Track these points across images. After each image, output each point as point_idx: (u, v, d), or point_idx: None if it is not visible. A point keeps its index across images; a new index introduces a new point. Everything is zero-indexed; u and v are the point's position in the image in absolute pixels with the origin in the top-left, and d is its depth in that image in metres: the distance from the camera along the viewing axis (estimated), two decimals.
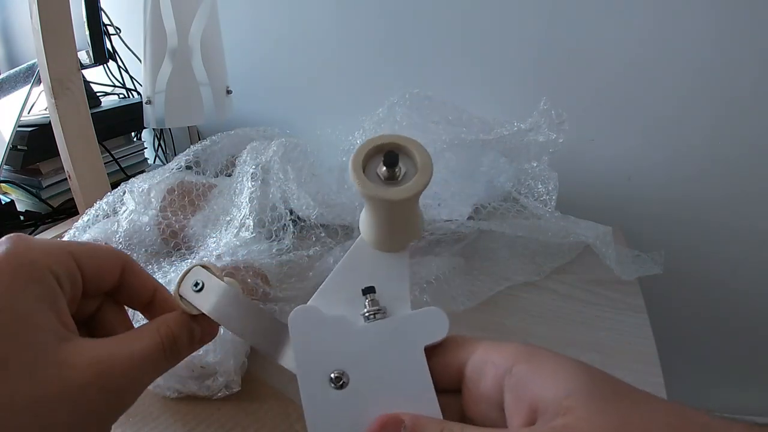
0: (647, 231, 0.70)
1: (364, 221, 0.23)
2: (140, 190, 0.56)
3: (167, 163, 0.57)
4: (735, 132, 0.62)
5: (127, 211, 0.54)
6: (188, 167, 0.57)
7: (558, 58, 0.67)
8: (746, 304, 0.73)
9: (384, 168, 0.20)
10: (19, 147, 0.66)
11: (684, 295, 0.75)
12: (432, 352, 0.21)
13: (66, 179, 0.61)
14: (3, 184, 0.70)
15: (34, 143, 0.66)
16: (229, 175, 0.57)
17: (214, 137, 0.58)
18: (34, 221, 0.67)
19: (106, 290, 0.23)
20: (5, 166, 0.68)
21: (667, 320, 0.77)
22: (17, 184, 0.69)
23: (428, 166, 0.19)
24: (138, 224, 0.54)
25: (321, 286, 0.23)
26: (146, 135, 0.97)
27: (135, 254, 0.51)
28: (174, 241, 0.55)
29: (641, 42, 0.62)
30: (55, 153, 0.60)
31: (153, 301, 0.24)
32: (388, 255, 0.23)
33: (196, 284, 0.23)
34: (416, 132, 0.52)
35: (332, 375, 0.20)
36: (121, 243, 0.50)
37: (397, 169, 0.20)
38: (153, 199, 0.56)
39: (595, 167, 0.71)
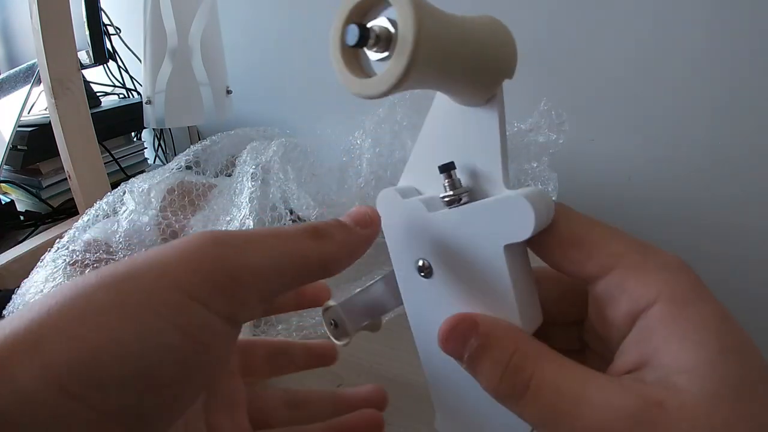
0: (647, 231, 0.70)
1: None
2: (140, 190, 0.56)
3: (167, 163, 0.57)
4: (736, 132, 0.62)
5: (127, 211, 0.54)
6: (188, 167, 0.57)
7: (558, 58, 0.67)
8: (746, 304, 0.73)
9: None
10: (19, 147, 0.66)
11: None
12: (548, 247, 0.17)
13: (66, 179, 0.61)
14: (3, 184, 0.70)
15: (34, 143, 0.66)
16: (229, 175, 0.57)
17: (214, 137, 0.58)
18: (34, 221, 0.67)
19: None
20: (5, 166, 0.68)
21: None
22: (17, 184, 0.69)
23: (409, 39, 0.13)
24: (138, 224, 0.54)
25: (409, 159, 0.20)
26: (146, 135, 0.97)
27: (135, 254, 0.51)
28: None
29: (641, 42, 0.62)
30: (55, 153, 0.60)
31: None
32: (472, 110, 0.17)
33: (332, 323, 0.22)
34: (416, 132, 0.52)
35: (418, 263, 0.19)
36: (121, 243, 0.50)
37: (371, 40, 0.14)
38: (153, 199, 0.56)
39: (595, 167, 0.71)
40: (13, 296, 0.43)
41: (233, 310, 0.15)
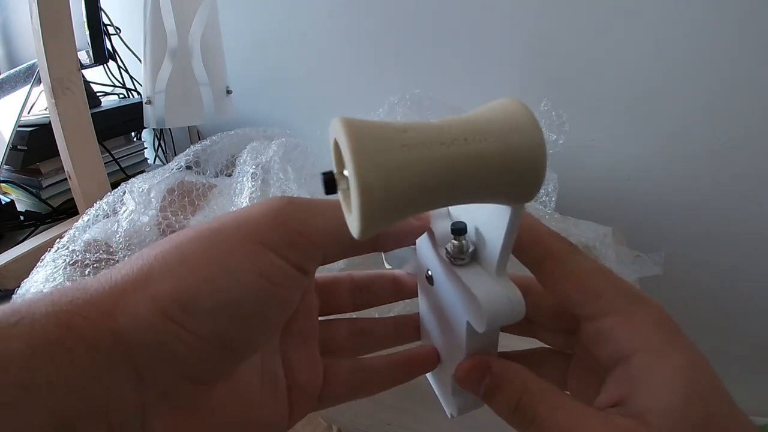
0: (647, 231, 0.70)
1: None
2: (140, 190, 0.56)
3: (167, 163, 0.57)
4: (735, 132, 0.62)
5: (127, 211, 0.54)
6: (188, 167, 0.57)
7: (559, 59, 0.67)
8: (747, 304, 0.73)
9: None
10: (19, 147, 0.66)
11: (683, 295, 0.75)
12: (556, 283, 0.19)
13: (66, 179, 0.61)
14: (3, 184, 0.70)
15: (34, 143, 0.66)
16: (229, 175, 0.57)
17: (214, 137, 0.58)
18: (34, 221, 0.67)
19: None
20: (5, 166, 0.68)
21: None
22: (17, 184, 0.69)
23: (356, 199, 0.13)
24: (138, 224, 0.54)
25: None
26: (146, 135, 0.97)
27: (135, 254, 0.51)
28: None
29: (642, 42, 0.62)
30: (55, 153, 0.60)
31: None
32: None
33: None
34: None
35: (427, 272, 0.22)
36: (121, 243, 0.50)
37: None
38: (153, 199, 0.56)
39: (595, 167, 0.71)
40: (13, 296, 0.43)
41: (302, 260, 0.18)
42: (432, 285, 0.22)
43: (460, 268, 0.19)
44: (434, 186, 0.13)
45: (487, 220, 0.18)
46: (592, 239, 0.49)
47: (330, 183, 0.15)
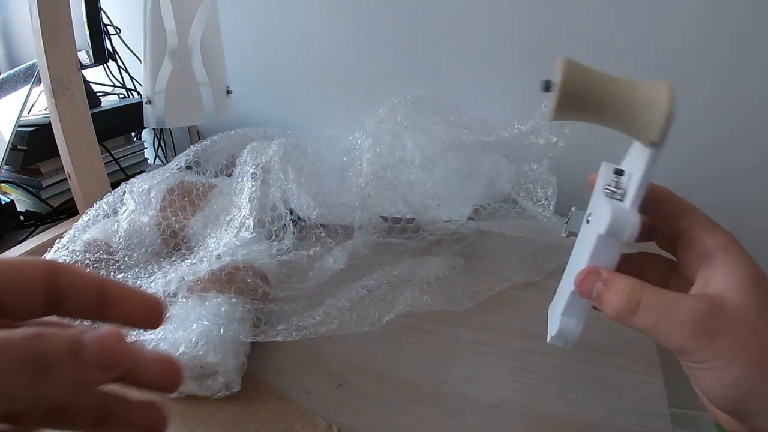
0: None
1: None
2: (140, 190, 0.56)
3: (167, 163, 0.57)
4: (735, 131, 0.62)
5: (127, 211, 0.54)
6: (188, 167, 0.57)
7: (559, 58, 0.67)
8: None
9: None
10: (19, 147, 0.66)
11: None
12: (660, 211, 0.27)
13: (66, 179, 0.61)
14: (3, 184, 0.70)
15: (34, 143, 0.66)
16: (229, 175, 0.57)
17: (214, 137, 0.58)
18: (34, 221, 0.67)
19: (36, 306, 0.18)
20: (5, 166, 0.68)
21: None
22: (17, 184, 0.69)
23: (558, 87, 0.25)
24: (138, 224, 0.54)
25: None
26: (146, 135, 0.97)
27: (135, 254, 0.51)
28: (174, 241, 0.55)
29: (641, 42, 0.62)
30: (55, 153, 0.60)
31: (104, 298, 0.19)
32: (644, 147, 0.26)
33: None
34: (416, 133, 0.52)
35: (588, 215, 0.28)
36: (121, 243, 0.50)
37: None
38: (153, 199, 0.56)
39: (596, 167, 0.71)
40: None
41: None
42: (587, 224, 0.28)
43: (611, 201, 0.25)
44: (598, 97, 0.25)
45: (636, 170, 0.26)
46: None
47: (547, 84, 0.26)
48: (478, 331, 0.43)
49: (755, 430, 0.22)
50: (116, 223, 0.52)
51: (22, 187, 0.69)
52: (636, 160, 0.26)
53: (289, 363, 0.40)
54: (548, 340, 0.28)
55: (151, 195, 0.55)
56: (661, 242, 0.29)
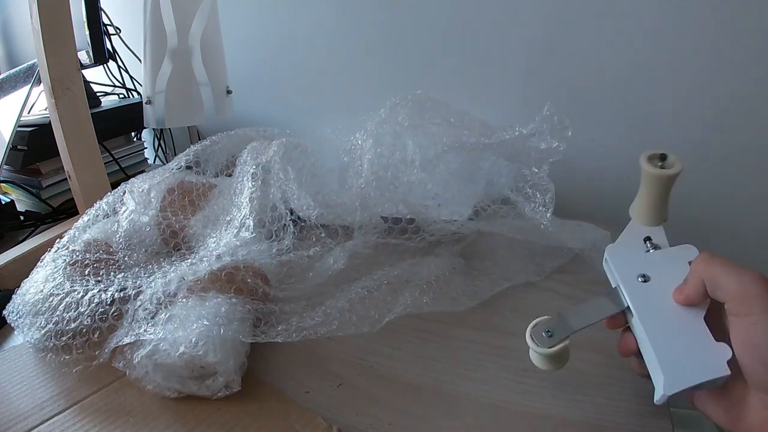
0: None
1: (639, 206, 0.39)
2: (140, 190, 0.56)
3: (167, 163, 0.57)
4: (735, 131, 0.62)
5: (127, 211, 0.54)
6: (188, 167, 0.57)
7: (559, 59, 0.67)
8: None
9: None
10: (19, 147, 0.66)
11: None
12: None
13: (66, 179, 0.61)
14: (3, 184, 0.70)
15: (34, 143, 0.66)
16: (229, 175, 0.57)
17: (214, 137, 0.58)
18: (34, 221, 0.67)
19: None
20: (5, 166, 0.68)
21: None
22: (17, 184, 0.69)
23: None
24: (138, 224, 0.54)
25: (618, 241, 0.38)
26: (146, 135, 0.97)
27: (135, 254, 0.51)
28: (174, 241, 0.55)
29: (641, 42, 0.62)
30: (55, 153, 0.60)
31: None
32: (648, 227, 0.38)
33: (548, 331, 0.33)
34: (418, 133, 0.52)
35: (639, 276, 0.33)
36: (121, 243, 0.50)
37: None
38: (153, 199, 0.56)
39: (595, 167, 0.71)
40: (13, 296, 0.43)
41: None
42: (647, 281, 0.33)
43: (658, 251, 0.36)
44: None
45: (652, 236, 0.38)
46: (589, 244, 0.49)
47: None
48: (478, 331, 0.43)
49: None
50: (116, 223, 0.52)
51: (22, 187, 0.69)
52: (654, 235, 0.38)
53: (289, 363, 0.40)
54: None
55: (151, 195, 0.55)
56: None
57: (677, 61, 0.62)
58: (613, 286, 0.34)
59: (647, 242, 0.37)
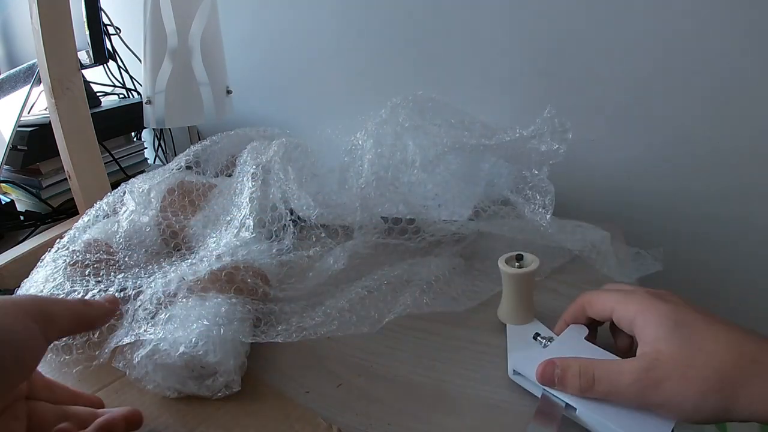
0: (647, 228, 0.70)
1: (509, 309, 0.41)
2: (140, 190, 0.56)
3: (167, 163, 0.57)
4: (735, 130, 0.62)
5: (127, 212, 0.54)
6: (188, 167, 0.57)
7: (560, 59, 0.67)
8: (747, 302, 0.73)
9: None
10: (19, 147, 0.66)
11: (684, 294, 0.75)
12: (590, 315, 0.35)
13: (66, 179, 0.61)
14: (3, 184, 0.70)
15: (34, 143, 0.66)
16: (229, 175, 0.57)
17: (214, 137, 0.58)
18: (34, 221, 0.67)
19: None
20: (5, 166, 0.68)
21: None
22: (17, 184, 0.69)
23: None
24: (138, 224, 0.54)
25: (510, 350, 0.38)
26: (146, 135, 0.97)
27: (135, 255, 0.51)
28: (174, 242, 0.55)
29: (641, 42, 0.62)
30: (55, 153, 0.60)
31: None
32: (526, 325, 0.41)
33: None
34: (418, 133, 0.52)
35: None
36: (121, 243, 0.50)
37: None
38: (153, 200, 0.56)
39: (595, 167, 0.71)
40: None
41: (47, 332, 0.27)
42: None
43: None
44: None
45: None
46: (589, 245, 0.49)
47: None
48: (478, 331, 0.43)
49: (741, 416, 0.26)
50: (116, 224, 0.52)
51: (22, 187, 0.69)
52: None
53: (289, 363, 0.40)
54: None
55: (151, 195, 0.55)
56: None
57: (678, 61, 0.62)
58: (538, 394, 0.33)
59: (538, 338, 0.38)
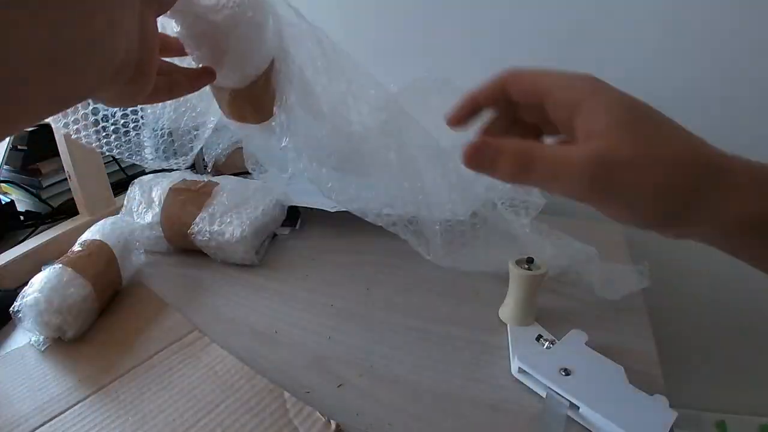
0: (646, 232, 0.70)
1: (515, 310, 0.42)
2: (143, 189, 0.56)
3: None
4: (735, 130, 0.62)
5: (130, 211, 0.54)
6: (191, 166, 0.57)
7: (558, 59, 0.67)
8: (747, 303, 0.73)
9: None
10: (19, 147, 0.66)
11: (684, 295, 0.75)
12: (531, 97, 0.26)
13: (66, 179, 0.61)
14: (3, 184, 0.70)
15: (34, 143, 0.66)
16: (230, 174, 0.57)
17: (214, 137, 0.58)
18: (34, 221, 0.67)
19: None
20: (5, 166, 0.68)
21: (667, 320, 0.77)
22: (17, 184, 0.69)
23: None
24: (140, 224, 0.54)
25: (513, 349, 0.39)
26: None
27: (136, 254, 0.51)
28: (176, 241, 0.55)
29: (641, 42, 0.62)
30: (55, 153, 0.60)
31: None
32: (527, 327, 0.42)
33: None
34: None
35: (561, 371, 0.35)
36: (121, 243, 0.50)
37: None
38: (155, 199, 0.56)
39: None
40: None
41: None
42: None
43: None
44: None
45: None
46: (576, 262, 0.47)
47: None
48: (479, 331, 0.43)
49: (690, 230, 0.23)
50: (119, 223, 0.52)
51: (22, 187, 0.69)
52: None
53: (289, 363, 0.40)
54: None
55: (153, 195, 0.56)
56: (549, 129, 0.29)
57: (678, 61, 0.62)
58: (543, 393, 0.35)
59: (540, 339, 0.39)
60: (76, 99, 0.22)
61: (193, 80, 0.34)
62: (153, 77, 0.27)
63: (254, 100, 0.39)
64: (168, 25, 0.33)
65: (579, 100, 0.23)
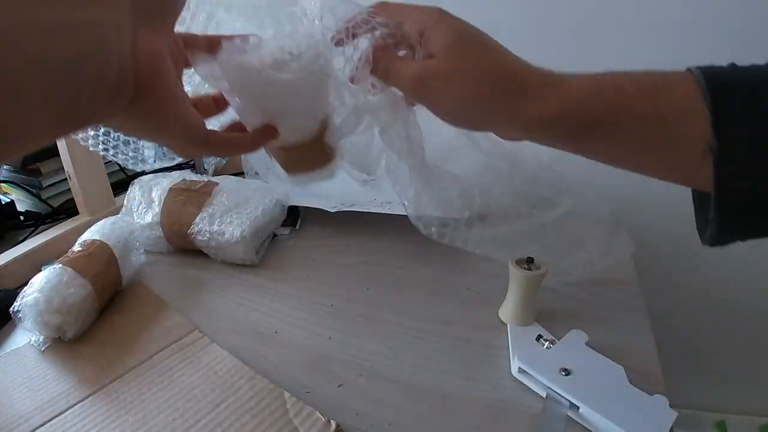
0: (646, 227, 0.70)
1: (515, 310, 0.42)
2: (143, 189, 0.56)
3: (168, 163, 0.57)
4: None
5: (130, 211, 0.54)
6: (189, 167, 0.57)
7: (558, 58, 0.67)
8: (747, 303, 0.73)
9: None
10: None
11: (684, 295, 0.75)
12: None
13: (66, 179, 0.61)
14: (3, 184, 0.70)
15: None
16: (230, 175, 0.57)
17: None
18: (34, 221, 0.67)
19: None
20: (5, 166, 0.68)
21: (667, 320, 0.77)
22: (17, 184, 0.69)
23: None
24: (140, 224, 0.54)
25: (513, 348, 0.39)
26: None
27: (136, 254, 0.51)
28: (176, 241, 0.55)
29: (641, 42, 0.63)
30: (55, 153, 0.60)
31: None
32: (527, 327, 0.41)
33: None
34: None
35: (561, 372, 0.35)
36: (121, 243, 0.50)
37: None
38: (155, 199, 0.56)
39: (597, 165, 0.71)
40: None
41: None
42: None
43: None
44: None
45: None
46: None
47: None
48: (479, 331, 0.43)
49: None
50: (119, 223, 0.52)
51: (22, 187, 0.69)
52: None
53: (289, 363, 0.40)
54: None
55: (153, 195, 0.56)
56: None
57: (679, 61, 0.62)
58: (543, 393, 0.35)
59: (540, 339, 0.39)
60: (79, 117, 0.22)
61: (255, 140, 0.31)
62: (164, 101, 0.25)
63: (311, 153, 0.32)
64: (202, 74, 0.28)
65: (424, 29, 0.29)
